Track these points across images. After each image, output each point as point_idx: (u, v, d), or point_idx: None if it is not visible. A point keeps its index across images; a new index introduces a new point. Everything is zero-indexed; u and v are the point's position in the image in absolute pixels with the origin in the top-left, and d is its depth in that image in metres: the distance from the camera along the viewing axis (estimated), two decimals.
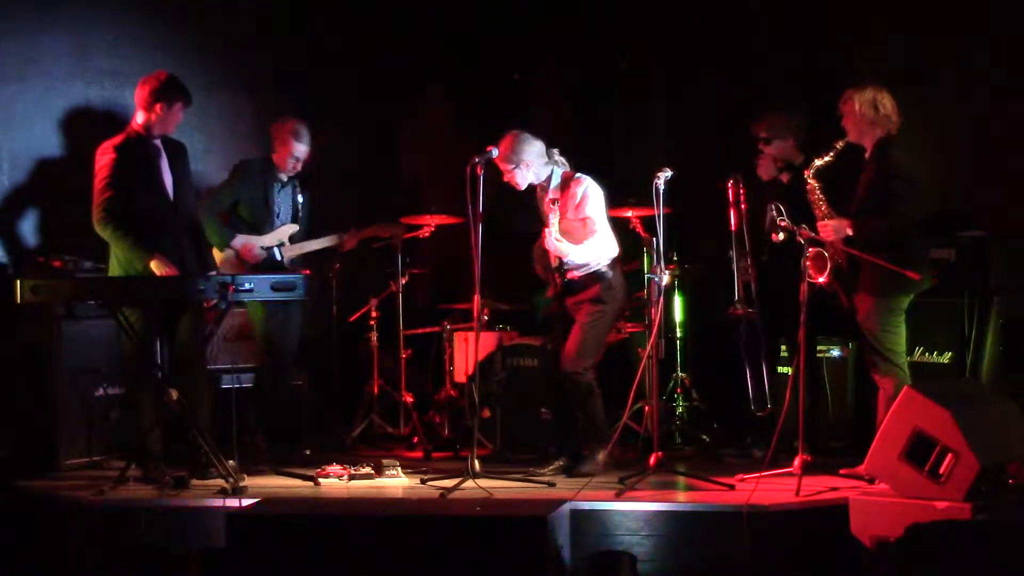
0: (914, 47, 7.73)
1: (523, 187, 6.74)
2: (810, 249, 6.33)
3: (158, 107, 6.65)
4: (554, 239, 6.60)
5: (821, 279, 6.34)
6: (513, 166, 6.67)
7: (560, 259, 6.69)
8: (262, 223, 7.30)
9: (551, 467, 6.74)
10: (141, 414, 6.62)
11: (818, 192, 6.53)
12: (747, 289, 7.13)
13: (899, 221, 6.37)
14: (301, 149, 7.29)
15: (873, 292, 6.43)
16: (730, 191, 7.07)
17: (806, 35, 8.18)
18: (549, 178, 6.74)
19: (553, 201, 6.65)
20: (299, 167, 7.35)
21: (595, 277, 6.70)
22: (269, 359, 7.28)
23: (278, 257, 7.34)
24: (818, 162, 6.54)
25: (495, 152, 6.60)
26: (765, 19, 8.37)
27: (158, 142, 6.71)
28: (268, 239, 7.33)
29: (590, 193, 6.68)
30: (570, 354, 6.66)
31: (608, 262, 6.72)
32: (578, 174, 6.74)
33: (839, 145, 6.50)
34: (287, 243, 7.39)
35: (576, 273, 6.71)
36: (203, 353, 6.87)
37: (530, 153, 6.67)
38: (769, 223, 6.78)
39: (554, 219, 6.62)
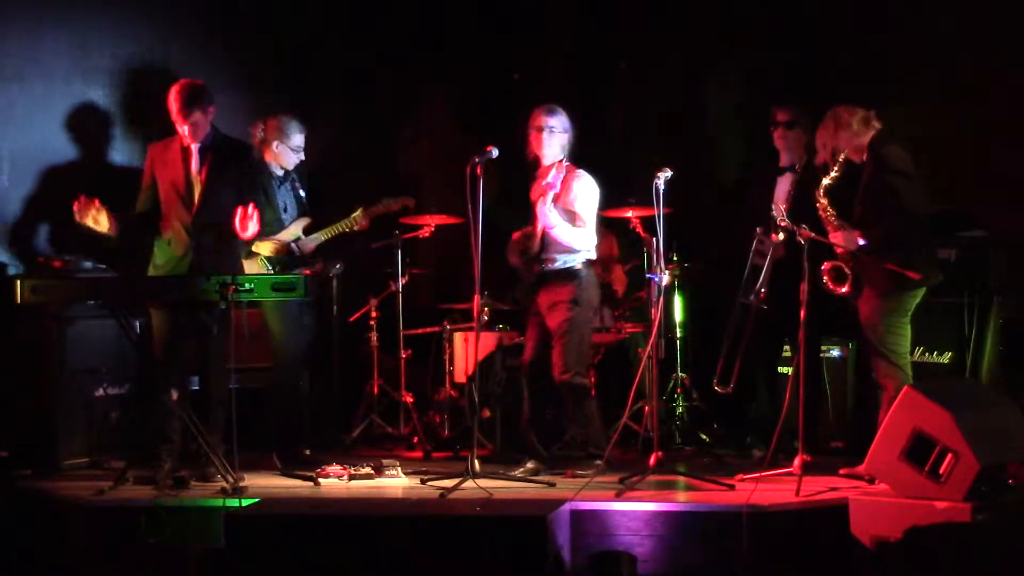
0: (915, 48, 7.73)
1: (547, 158, 6.76)
2: (829, 263, 6.35)
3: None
4: (548, 207, 6.65)
5: (843, 290, 6.38)
6: (561, 130, 6.76)
7: (541, 246, 6.71)
8: (270, 221, 7.29)
9: (521, 469, 6.72)
10: (156, 413, 6.61)
11: (829, 210, 6.50)
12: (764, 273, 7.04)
13: (905, 217, 6.36)
14: (297, 140, 7.32)
15: (877, 293, 6.43)
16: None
17: (807, 36, 8.18)
18: (556, 163, 6.78)
19: (550, 184, 6.69)
20: (302, 157, 7.36)
21: (570, 274, 6.73)
22: (280, 360, 7.28)
23: (297, 252, 7.36)
24: (826, 180, 6.49)
25: (495, 152, 6.61)
26: (766, 20, 8.37)
27: (193, 145, 6.68)
28: (284, 235, 7.35)
29: (589, 189, 6.75)
30: (559, 365, 6.66)
31: (584, 261, 6.77)
32: (580, 169, 6.80)
33: (841, 158, 6.48)
34: (303, 237, 7.41)
35: (553, 265, 6.73)
36: (217, 354, 6.74)
37: (571, 129, 6.78)
38: (770, 223, 6.78)
39: (551, 192, 6.66)
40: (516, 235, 6.91)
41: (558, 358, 6.67)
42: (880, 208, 6.40)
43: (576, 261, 6.75)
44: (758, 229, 6.98)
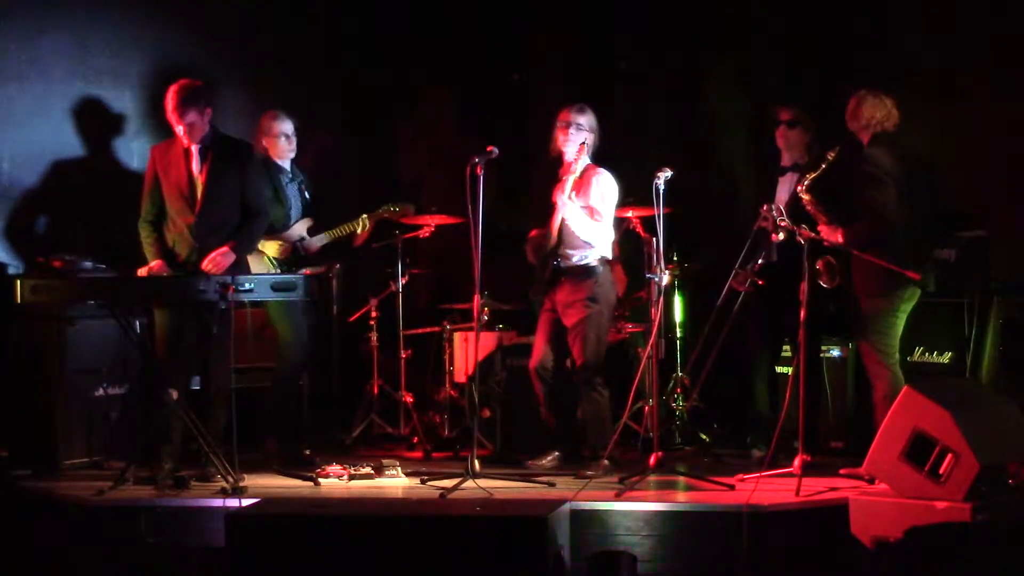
0: (916, 48, 7.73)
1: (569, 154, 6.82)
2: (820, 259, 6.36)
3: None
4: (567, 196, 6.70)
5: (830, 285, 6.39)
6: (587, 128, 6.82)
7: (558, 242, 6.75)
8: (277, 218, 7.30)
9: (548, 457, 6.77)
10: (156, 413, 6.60)
11: (813, 204, 6.53)
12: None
13: (876, 223, 6.37)
14: (283, 126, 7.33)
15: (866, 292, 6.45)
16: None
17: (808, 37, 8.18)
18: (578, 161, 6.85)
19: (569, 176, 6.76)
20: (293, 146, 7.36)
21: (586, 271, 6.77)
22: (285, 360, 7.29)
23: (301, 251, 7.38)
24: (810, 175, 6.54)
25: (495, 152, 6.61)
26: (767, 19, 8.37)
27: (193, 147, 6.67)
28: (289, 234, 7.36)
29: (608, 186, 6.82)
30: (579, 362, 6.73)
31: (600, 258, 6.80)
32: (600, 167, 6.85)
33: (831, 156, 6.50)
34: (307, 237, 7.42)
35: (569, 261, 6.76)
36: (220, 354, 6.68)
37: (596, 130, 6.85)
38: (770, 223, 6.78)
39: (569, 182, 6.72)
40: (533, 232, 6.93)
41: (578, 352, 6.73)
42: (859, 209, 6.42)
43: (592, 258, 6.79)
44: (764, 207, 6.94)
